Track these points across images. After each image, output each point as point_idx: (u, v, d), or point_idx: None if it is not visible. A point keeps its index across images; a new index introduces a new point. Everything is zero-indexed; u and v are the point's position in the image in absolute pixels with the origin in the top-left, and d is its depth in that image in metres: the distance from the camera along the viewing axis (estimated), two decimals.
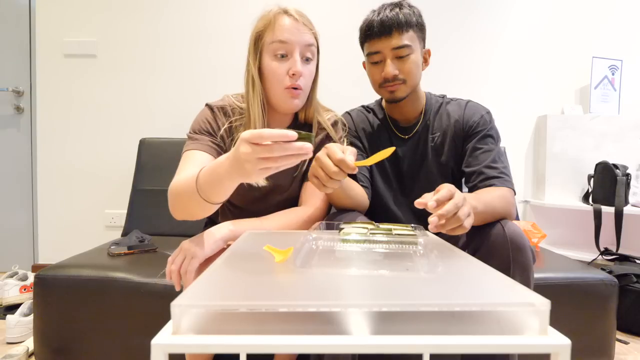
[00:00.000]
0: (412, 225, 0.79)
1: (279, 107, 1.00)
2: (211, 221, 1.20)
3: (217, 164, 0.70)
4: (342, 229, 0.76)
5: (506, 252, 0.83)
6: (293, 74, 0.94)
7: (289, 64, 0.95)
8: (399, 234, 0.73)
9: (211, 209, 0.80)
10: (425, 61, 1.11)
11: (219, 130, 1.00)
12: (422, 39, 1.08)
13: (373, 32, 1.03)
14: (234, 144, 0.96)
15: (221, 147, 1.00)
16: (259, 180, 0.78)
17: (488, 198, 0.90)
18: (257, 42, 0.98)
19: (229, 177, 0.67)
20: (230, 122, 1.01)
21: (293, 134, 0.57)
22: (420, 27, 1.06)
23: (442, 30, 2.19)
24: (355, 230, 0.75)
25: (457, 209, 0.68)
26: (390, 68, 1.02)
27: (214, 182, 0.72)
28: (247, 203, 1.08)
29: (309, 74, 0.98)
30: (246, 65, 1.01)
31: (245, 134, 0.59)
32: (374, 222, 0.83)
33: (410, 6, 1.05)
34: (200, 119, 1.01)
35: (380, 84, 1.06)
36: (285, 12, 0.97)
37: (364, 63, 1.14)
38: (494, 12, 2.22)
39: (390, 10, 1.02)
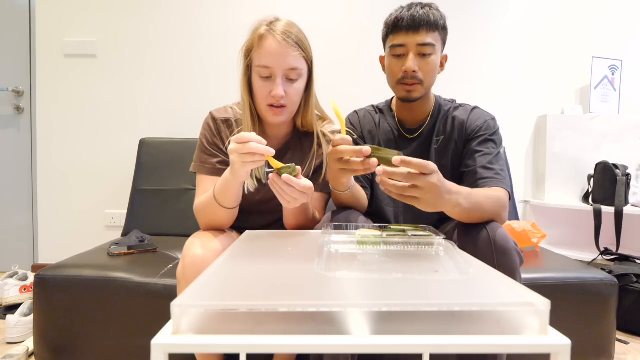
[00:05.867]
0: (423, 225, 0.80)
1: (265, 119, 1.08)
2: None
3: (225, 173, 0.92)
4: (357, 231, 0.77)
5: (490, 256, 0.83)
6: (273, 96, 1.00)
7: (271, 85, 1.00)
8: (414, 235, 0.74)
9: (228, 215, 0.99)
10: (442, 66, 1.12)
11: (223, 143, 1.08)
12: (444, 43, 1.10)
13: (401, 25, 1.04)
14: None
15: (225, 162, 1.07)
16: (242, 171, 0.86)
17: (478, 197, 0.90)
18: (247, 57, 1.04)
19: (231, 177, 0.89)
20: (234, 135, 1.06)
21: (260, 139, 0.81)
22: (444, 31, 1.08)
23: None
24: (371, 232, 0.76)
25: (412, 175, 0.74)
26: (412, 63, 1.03)
27: (223, 187, 0.93)
28: (252, 206, 1.12)
29: (295, 92, 1.03)
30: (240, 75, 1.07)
31: (233, 137, 0.83)
32: (387, 225, 0.84)
33: (438, 9, 1.07)
34: (206, 133, 1.09)
35: (399, 80, 1.07)
36: (272, 31, 0.99)
37: (381, 58, 1.15)
38: (494, 11, 2.22)
39: (422, 8, 1.04)
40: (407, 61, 1.04)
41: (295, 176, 0.83)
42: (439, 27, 1.04)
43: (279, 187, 0.83)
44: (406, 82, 1.05)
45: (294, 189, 0.83)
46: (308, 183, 0.84)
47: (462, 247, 0.90)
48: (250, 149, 0.80)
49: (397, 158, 0.73)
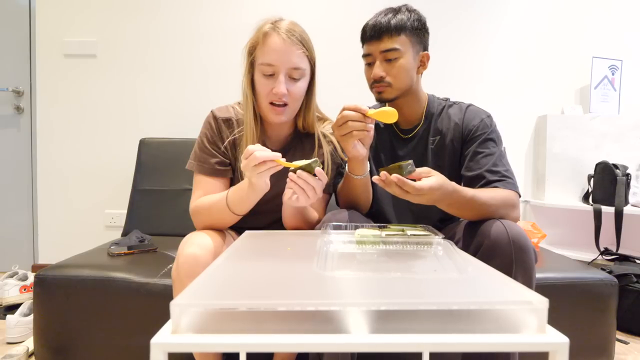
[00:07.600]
0: (422, 225, 0.80)
1: (266, 119, 1.08)
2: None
3: (241, 184, 0.95)
4: (357, 230, 0.77)
5: (509, 253, 0.83)
6: (275, 94, 1.01)
7: (273, 83, 1.00)
8: (413, 234, 0.74)
9: (236, 219, 1.01)
10: (423, 65, 1.11)
11: (222, 142, 1.09)
12: (419, 43, 1.09)
13: (366, 36, 1.08)
14: (239, 154, 1.07)
15: (224, 162, 1.08)
16: (261, 183, 0.88)
17: (482, 197, 0.92)
18: (250, 55, 1.04)
19: (251, 191, 0.92)
20: (234, 135, 1.09)
21: (264, 148, 0.85)
22: (416, 32, 1.07)
23: (443, 29, 2.19)
24: (370, 232, 0.76)
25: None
26: (377, 70, 1.06)
27: (240, 198, 0.95)
28: (256, 205, 1.10)
29: (298, 91, 1.03)
30: (243, 73, 1.07)
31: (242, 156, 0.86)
32: (387, 225, 0.84)
33: (409, 11, 1.07)
34: (207, 131, 1.09)
35: (371, 85, 1.10)
36: (276, 29, 1.00)
37: None
38: (494, 11, 2.22)
39: (385, 15, 1.06)
40: (374, 68, 1.07)
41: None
42: (405, 29, 1.04)
43: (306, 183, 0.85)
44: (375, 86, 1.08)
45: (322, 182, 0.85)
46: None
47: (478, 243, 0.90)
48: (257, 159, 0.83)
49: (395, 176, 0.79)
